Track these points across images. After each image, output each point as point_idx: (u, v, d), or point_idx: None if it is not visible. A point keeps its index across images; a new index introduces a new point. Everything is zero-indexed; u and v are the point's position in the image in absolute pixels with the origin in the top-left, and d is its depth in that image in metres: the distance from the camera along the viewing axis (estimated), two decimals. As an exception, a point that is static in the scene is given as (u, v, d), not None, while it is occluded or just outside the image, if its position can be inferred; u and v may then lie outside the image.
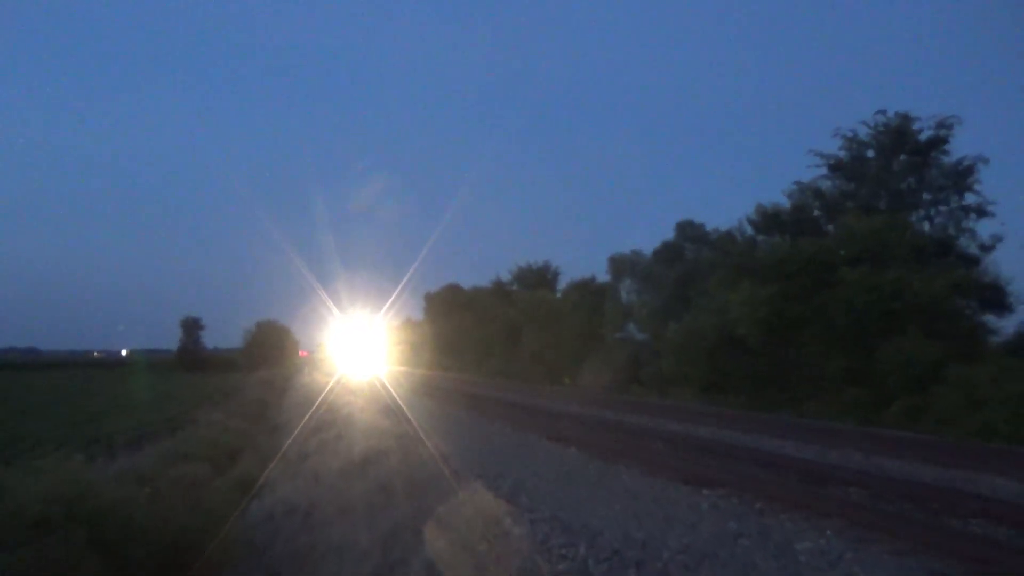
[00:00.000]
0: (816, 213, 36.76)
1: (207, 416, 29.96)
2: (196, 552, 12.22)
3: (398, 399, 34.71)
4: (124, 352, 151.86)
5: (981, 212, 33.41)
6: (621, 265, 51.77)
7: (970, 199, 33.62)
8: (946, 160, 33.87)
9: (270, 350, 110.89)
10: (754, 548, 8.19)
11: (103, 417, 31.05)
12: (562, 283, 67.22)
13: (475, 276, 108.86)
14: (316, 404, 36.30)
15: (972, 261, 32.41)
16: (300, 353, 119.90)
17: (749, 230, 40.14)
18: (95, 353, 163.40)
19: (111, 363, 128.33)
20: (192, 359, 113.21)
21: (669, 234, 48.58)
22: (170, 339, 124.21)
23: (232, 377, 69.74)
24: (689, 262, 44.36)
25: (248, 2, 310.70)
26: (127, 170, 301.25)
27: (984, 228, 33.28)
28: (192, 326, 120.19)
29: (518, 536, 9.20)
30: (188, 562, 11.78)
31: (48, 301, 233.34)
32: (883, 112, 34.59)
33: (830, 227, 34.82)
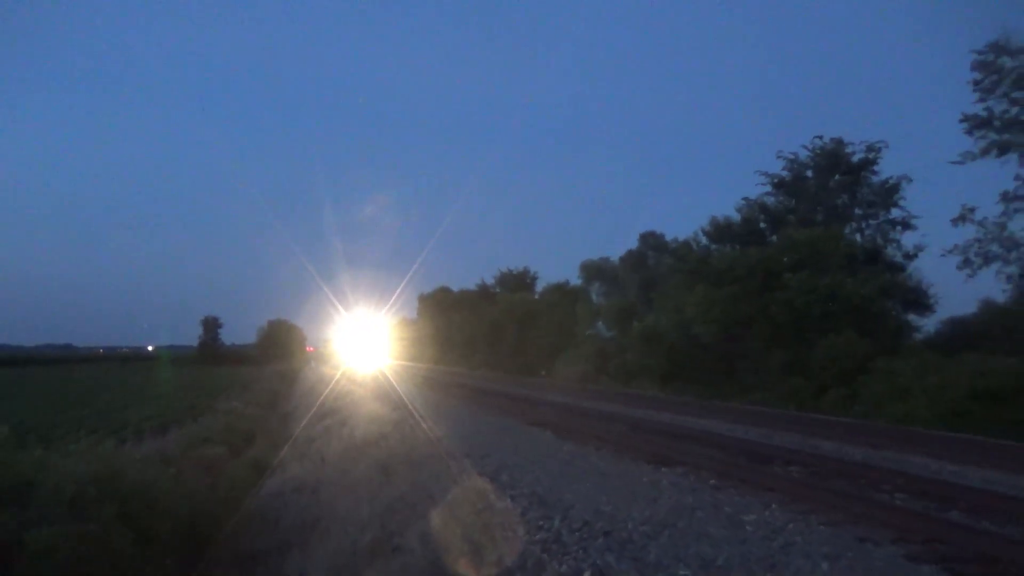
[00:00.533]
0: (762, 225, 36.93)
1: (225, 404, 29.83)
2: (215, 525, 12.19)
3: (395, 388, 34.63)
4: (150, 348, 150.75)
5: (905, 225, 33.69)
6: (591, 270, 51.95)
7: (896, 213, 33.91)
8: (874, 179, 34.14)
9: (281, 346, 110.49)
10: (708, 519, 8.24)
11: (132, 406, 30.81)
12: (540, 286, 67.32)
13: (463, 279, 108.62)
14: (322, 394, 36.19)
15: (897, 268, 32.67)
16: (307, 348, 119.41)
17: (704, 240, 40.30)
18: (123, 349, 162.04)
19: (139, 358, 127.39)
20: (211, 354, 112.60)
21: (634, 243, 48.84)
22: (191, 336, 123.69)
23: (247, 370, 69.40)
24: (651, 268, 44.54)
25: (263, 35, 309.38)
26: (154, 185, 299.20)
27: (908, 239, 33.58)
28: (212, 324, 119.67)
29: (501, 510, 9.21)
30: (208, 534, 11.74)
31: (82, 302, 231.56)
32: (820, 137, 34.85)
33: (774, 237, 34.97)
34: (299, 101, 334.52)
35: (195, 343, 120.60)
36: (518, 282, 72.07)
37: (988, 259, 23.47)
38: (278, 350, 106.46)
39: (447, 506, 10.03)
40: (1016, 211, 23.00)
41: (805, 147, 35.18)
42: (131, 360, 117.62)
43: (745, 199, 37.52)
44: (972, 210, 23.88)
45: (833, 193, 34.84)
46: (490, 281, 76.11)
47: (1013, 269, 23.12)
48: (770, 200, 36.67)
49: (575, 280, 54.76)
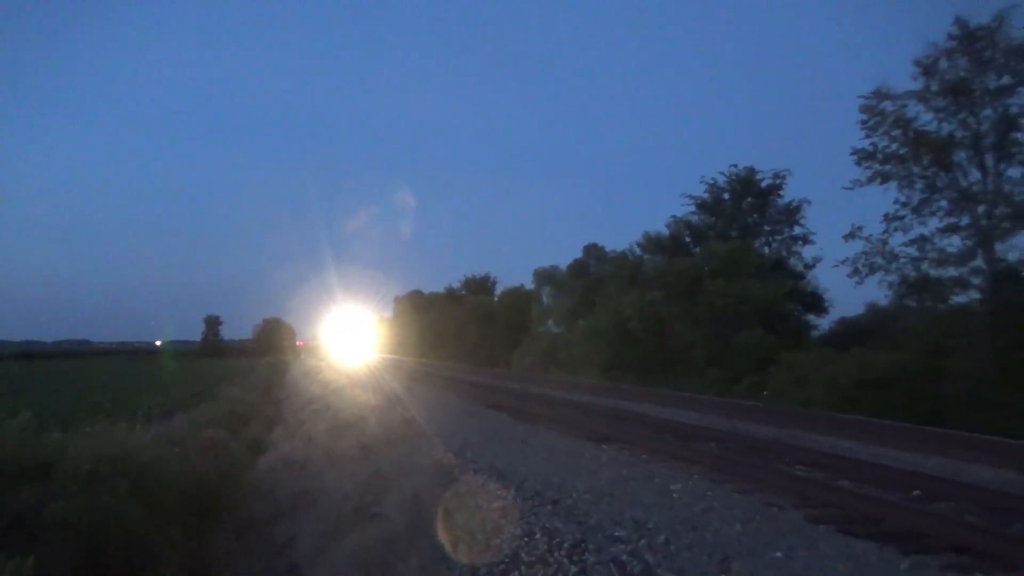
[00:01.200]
0: (687, 239, 37.34)
1: (225, 392, 29.27)
2: (216, 498, 11.96)
3: (374, 377, 34.34)
4: (158, 343, 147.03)
5: (805, 240, 34.38)
6: (543, 276, 51.95)
7: (797, 230, 34.58)
8: (780, 201, 34.77)
9: (274, 341, 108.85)
10: (641, 489, 8.28)
11: (142, 394, 30.01)
12: (499, 289, 67.27)
13: (433, 283, 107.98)
14: (309, 382, 35.73)
15: (799, 276, 33.29)
16: (298, 343, 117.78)
17: (638, 251, 40.65)
18: (134, 344, 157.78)
19: (148, 351, 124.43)
20: (213, 348, 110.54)
21: (579, 253, 48.96)
22: (194, 332, 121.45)
23: (244, 362, 68.11)
24: (593, 275, 44.68)
25: (253, 63, 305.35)
26: (161, 196, 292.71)
27: (807, 252, 34.27)
28: (213, 322, 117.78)
29: (465, 481, 9.18)
30: (210, 506, 11.52)
31: (97, 302, 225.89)
32: (735, 165, 35.37)
33: (697, 249, 35.37)
34: (290, 121, 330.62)
35: (198, 338, 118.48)
36: (480, 286, 72.01)
37: (873, 269, 23.93)
38: (272, 345, 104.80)
39: (418, 478, 9.97)
40: (895, 229, 23.53)
41: (723, 173, 35.69)
42: (141, 354, 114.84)
43: (673, 217, 37.92)
44: (860, 228, 24.37)
45: (746, 213, 35.40)
46: (456, 285, 76.04)
47: (893, 278, 23.62)
48: (694, 218, 37.09)
49: (529, 284, 54.80)
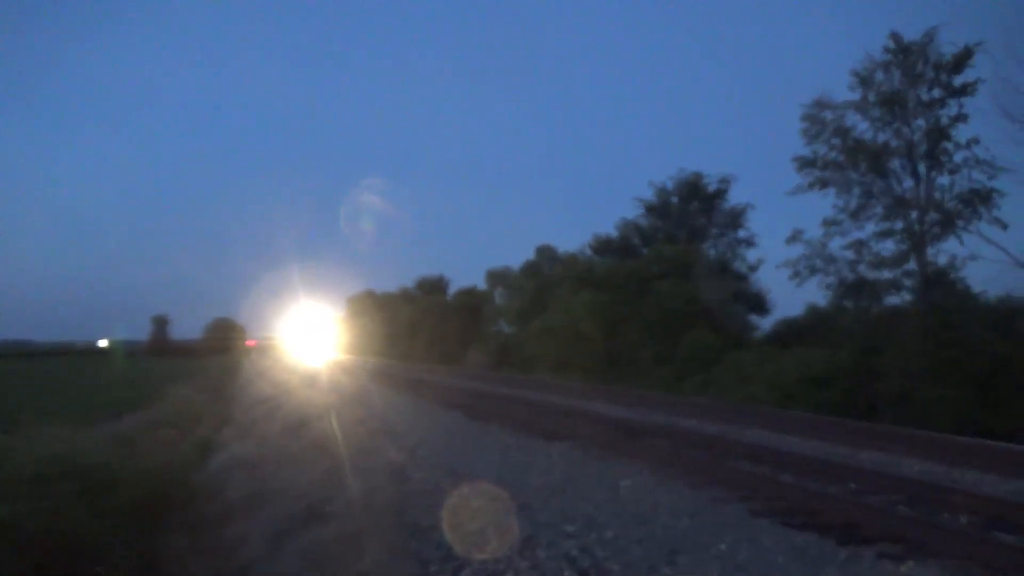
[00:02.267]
0: (636, 241, 37.83)
1: (175, 392, 28.52)
2: (167, 498, 11.67)
3: (325, 376, 33.88)
4: (103, 343, 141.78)
5: (749, 243, 35.25)
6: (496, 277, 52.01)
7: (742, 234, 35.41)
8: (725, 206, 35.54)
9: (224, 340, 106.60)
10: (591, 485, 8.36)
11: (90, 394, 29.06)
12: (452, 290, 67.07)
13: (386, 284, 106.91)
14: (261, 382, 35.07)
15: (742, 278, 34.04)
16: (248, 343, 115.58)
17: (589, 252, 40.98)
18: (78, 343, 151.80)
19: (94, 352, 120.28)
20: (161, 348, 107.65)
21: (531, 254, 49.11)
22: (139, 331, 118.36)
23: (194, 362, 66.48)
24: (545, 275, 44.89)
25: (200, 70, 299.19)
26: (102, 194, 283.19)
27: (751, 254, 35.08)
28: (161, 321, 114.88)
29: (417, 480, 9.14)
30: (160, 506, 11.23)
31: (38, 299, 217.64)
32: (683, 170, 35.98)
33: (646, 251, 35.83)
34: (243, 119, 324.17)
35: (144, 338, 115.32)
36: (434, 286, 71.61)
37: (813, 271, 24.60)
38: (223, 344, 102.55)
39: (372, 477, 9.88)
40: (834, 233, 24.24)
41: (671, 178, 36.27)
42: (87, 354, 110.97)
43: (623, 219, 38.39)
44: (801, 232, 25.04)
45: (693, 216, 36.05)
46: (410, 285, 75.51)
47: (831, 280, 24.33)
48: (643, 221, 37.60)
49: (482, 285, 54.79)
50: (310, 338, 76.44)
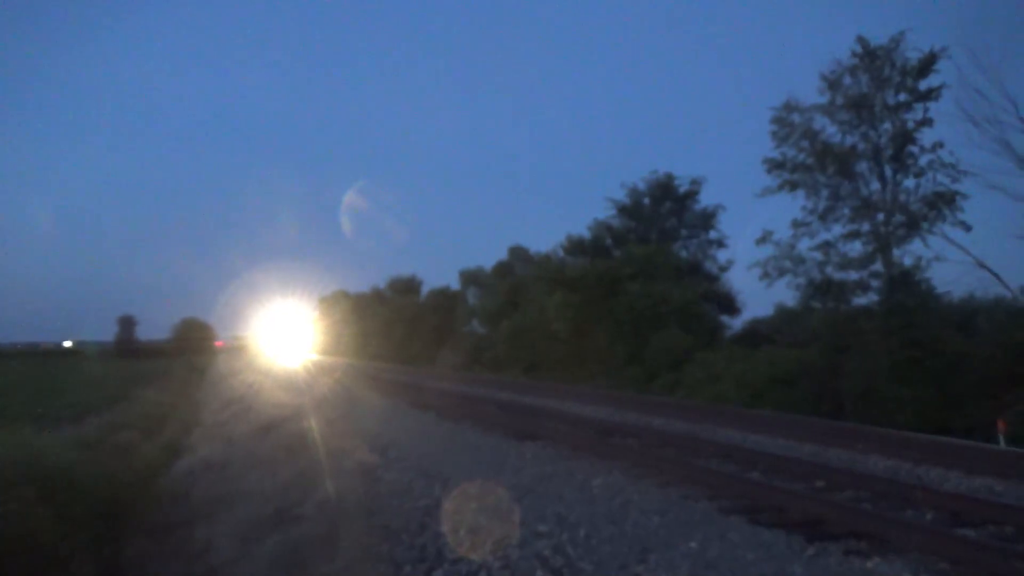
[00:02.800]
0: (608, 242, 37.99)
1: (141, 394, 28.03)
2: (131, 502, 11.45)
3: (296, 376, 33.54)
4: (67, 343, 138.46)
5: (719, 244, 35.59)
6: (468, 277, 51.91)
7: (712, 235, 35.74)
8: (696, 207, 35.86)
9: (193, 341, 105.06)
10: (563, 484, 8.38)
11: (53, 396, 28.37)
12: (424, 290, 66.78)
13: (358, 284, 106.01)
14: (230, 383, 34.61)
15: (713, 278, 34.39)
16: (216, 343, 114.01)
17: (561, 253, 41.06)
18: (42, 344, 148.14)
19: (59, 352, 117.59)
20: (128, 349, 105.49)
21: (503, 255, 49.11)
22: (106, 332, 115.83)
23: (161, 363, 65.36)
24: (517, 276, 44.91)
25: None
26: (68, 193, 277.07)
27: (721, 255, 35.44)
28: (128, 321, 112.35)
29: (389, 481, 9.09)
30: (124, 511, 11.01)
31: (1, 299, 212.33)
32: (655, 171, 36.21)
33: (617, 252, 36.00)
34: (211, 119, 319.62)
35: (110, 339, 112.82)
36: (407, 286, 71.21)
37: (782, 272, 24.92)
38: (191, 345, 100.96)
39: (343, 479, 9.79)
40: (802, 235, 24.59)
41: (643, 179, 36.48)
42: (52, 355, 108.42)
43: (595, 220, 38.52)
44: (770, 233, 25.36)
45: (664, 217, 36.32)
46: (382, 286, 75.02)
47: (800, 280, 24.68)
48: (615, 222, 37.77)
49: (455, 285, 54.63)
50: (281, 339, 75.57)
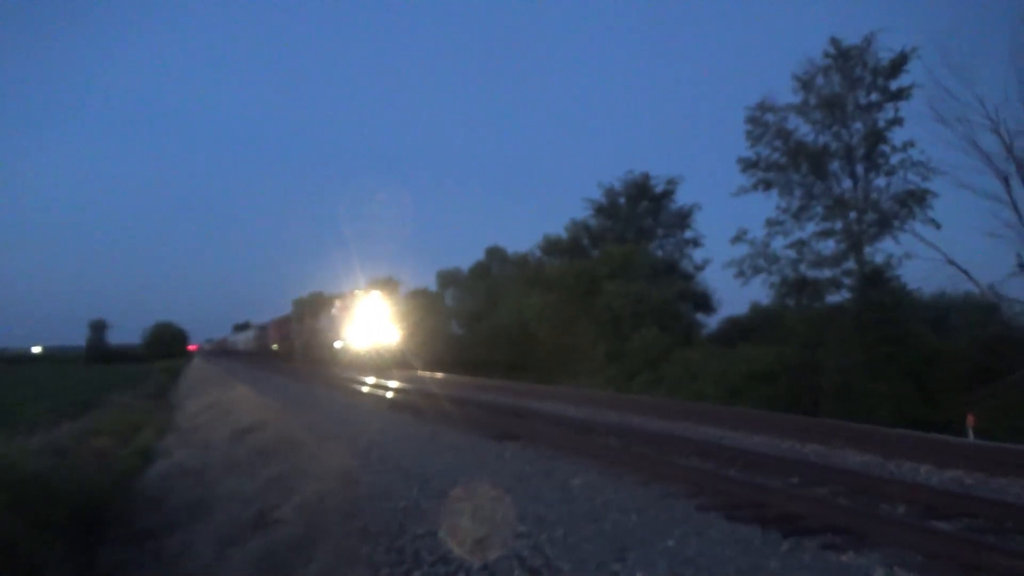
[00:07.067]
0: (585, 242, 38.16)
1: (115, 398, 27.65)
2: (107, 509, 11.29)
3: (273, 380, 33.22)
4: (36, 349, 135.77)
5: (696, 243, 35.99)
6: (446, 278, 51.83)
7: (688, 234, 36.09)
8: (672, 207, 36.16)
9: (166, 345, 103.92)
10: (542, 484, 8.38)
11: (24, 402, 27.85)
12: (403, 291, 66.56)
13: (335, 285, 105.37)
14: (204, 388, 34.23)
15: (689, 277, 34.72)
16: (189, 347, 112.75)
17: (538, 253, 41.18)
18: (8, 350, 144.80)
19: (26, 358, 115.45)
20: (99, 354, 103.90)
21: (481, 255, 49.11)
22: (76, 337, 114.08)
23: (134, 368, 64.50)
24: (495, 276, 44.94)
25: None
26: (36, 198, 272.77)
27: (697, 254, 35.78)
28: (99, 326, 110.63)
29: (368, 483, 9.04)
30: (100, 517, 10.86)
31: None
32: (631, 172, 36.47)
33: (595, 252, 36.17)
34: (184, 120, 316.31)
35: (81, 344, 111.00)
36: (384, 287, 70.89)
37: (757, 270, 25.28)
38: (164, 349, 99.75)
39: (322, 482, 9.72)
40: (776, 233, 24.92)
41: (619, 179, 36.70)
42: (19, 361, 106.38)
43: (572, 220, 38.66)
44: (745, 232, 25.69)
45: (641, 217, 36.58)
46: (360, 287, 74.58)
47: (774, 278, 25.01)
48: (591, 222, 37.96)
49: (432, 286, 54.53)
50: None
